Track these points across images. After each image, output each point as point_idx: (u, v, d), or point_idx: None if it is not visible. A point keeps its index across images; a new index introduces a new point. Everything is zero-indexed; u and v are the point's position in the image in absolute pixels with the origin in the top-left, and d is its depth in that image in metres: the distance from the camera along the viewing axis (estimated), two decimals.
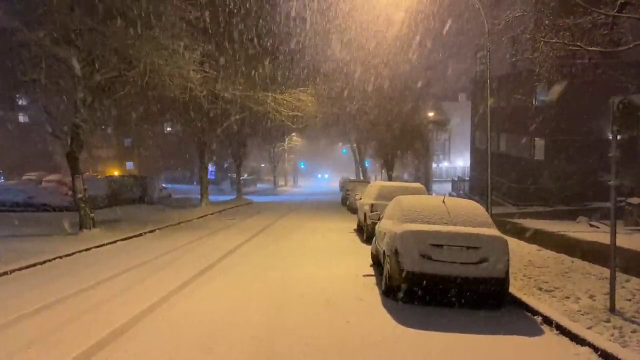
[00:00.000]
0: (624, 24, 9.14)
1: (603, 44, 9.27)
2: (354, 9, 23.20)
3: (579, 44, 9.09)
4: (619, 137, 6.66)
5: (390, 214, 9.27)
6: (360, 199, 17.92)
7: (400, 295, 7.51)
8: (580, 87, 19.54)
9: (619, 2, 8.37)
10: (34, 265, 9.79)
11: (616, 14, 8.50)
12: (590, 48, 9.10)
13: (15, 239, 12.88)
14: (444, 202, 8.34)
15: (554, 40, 9.42)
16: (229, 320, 6.40)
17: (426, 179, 38.97)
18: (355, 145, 50.18)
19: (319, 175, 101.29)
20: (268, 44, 20.82)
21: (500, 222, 13.29)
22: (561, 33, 9.28)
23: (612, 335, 5.68)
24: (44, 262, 10.10)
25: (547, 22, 9.71)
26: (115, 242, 13.23)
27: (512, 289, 7.77)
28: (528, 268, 9.71)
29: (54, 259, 10.45)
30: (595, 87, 18.46)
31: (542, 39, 9.75)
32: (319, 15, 23.19)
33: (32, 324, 6.07)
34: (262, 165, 72.48)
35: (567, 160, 23.17)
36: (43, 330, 5.78)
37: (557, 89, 17.93)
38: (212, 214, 23.80)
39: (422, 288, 7.37)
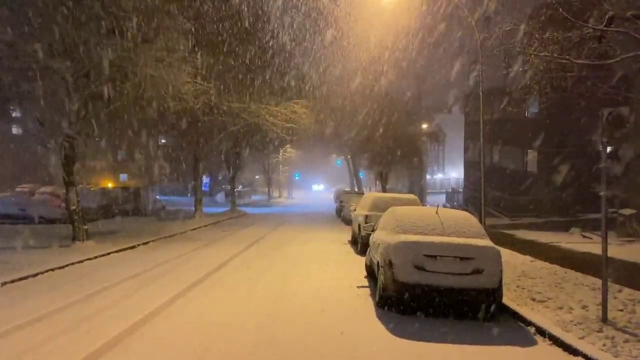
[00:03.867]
0: (611, 38, 9.33)
1: (592, 57, 9.45)
2: (348, 24, 23.50)
3: (568, 57, 9.26)
4: (608, 148, 6.76)
5: (384, 225, 9.31)
6: (355, 210, 17.95)
7: (394, 306, 7.52)
8: (570, 99, 19.81)
9: (606, 17, 8.56)
10: (26, 277, 9.69)
11: (604, 28, 8.68)
12: (579, 61, 9.27)
13: (7, 251, 12.76)
14: (437, 213, 8.40)
15: (543, 54, 9.58)
16: (222, 331, 6.37)
17: (420, 191, 39.08)
18: (349, 156, 50.31)
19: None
20: (263, 56, 20.98)
21: (493, 233, 13.35)
22: (551, 46, 9.46)
23: (605, 345, 5.71)
24: (36, 274, 10.01)
25: (537, 35, 9.89)
26: (108, 254, 13.14)
27: (506, 300, 7.80)
28: (521, 279, 9.74)
29: (47, 271, 10.36)
30: (585, 99, 18.71)
31: (532, 52, 9.92)
32: (315, 29, 23.43)
33: (23, 337, 6.02)
34: (257, 177, 72.36)
35: (559, 172, 23.36)
36: (34, 343, 5.72)
37: None
38: (206, 225, 23.72)
39: (416, 299, 7.38)
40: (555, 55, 9.35)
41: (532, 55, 9.96)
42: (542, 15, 10.21)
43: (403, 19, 22.46)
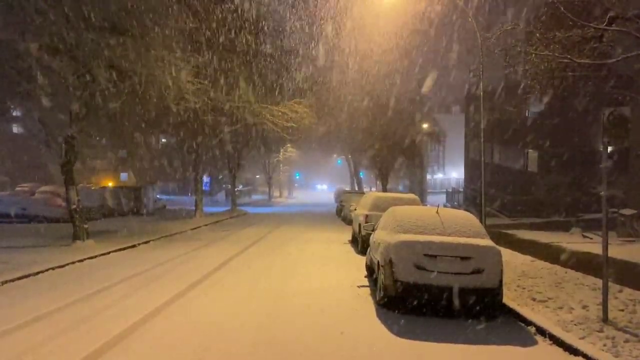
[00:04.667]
0: (612, 37, 9.32)
1: (593, 57, 9.43)
2: (349, 23, 23.47)
3: (569, 56, 9.24)
4: (609, 148, 6.75)
5: (384, 224, 9.30)
6: (355, 209, 17.94)
7: (395, 305, 7.51)
8: (571, 99, 19.79)
9: (608, 16, 8.54)
10: (27, 276, 9.70)
11: (605, 27, 8.67)
12: (580, 60, 9.25)
13: (7, 250, 12.77)
14: (437, 212, 8.39)
15: (544, 53, 9.56)
16: (222, 332, 6.37)
17: (421, 190, 39.09)
18: (349, 156, 50.31)
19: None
20: (264, 55, 20.96)
21: (493, 233, 13.35)
22: (552, 46, 9.44)
23: (605, 345, 5.71)
24: (37, 273, 10.02)
25: (538, 35, 9.87)
26: (109, 253, 13.15)
27: (506, 300, 7.80)
28: (522, 279, 9.74)
29: (47, 270, 10.36)
30: (587, 99, 18.71)
31: (533, 52, 9.90)
32: (316, 29, 23.41)
33: (23, 336, 6.01)
34: (257, 176, 72.39)
35: (560, 172, 23.33)
36: (34, 342, 5.72)
37: None
38: (206, 225, 23.73)
39: (416, 298, 7.37)
40: (556, 54, 9.33)
41: (533, 55, 9.95)
42: (543, 14, 10.19)
43: (404, 19, 22.45)
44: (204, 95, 17.33)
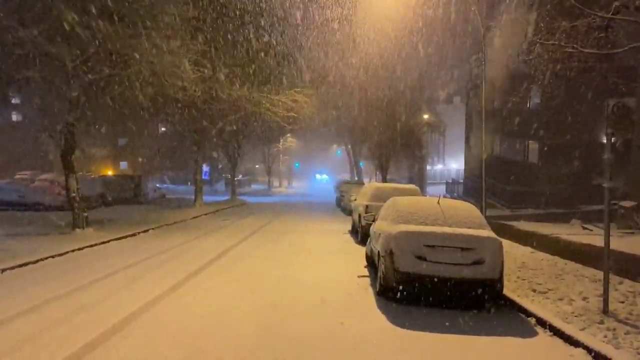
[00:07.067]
0: (618, 27, 9.20)
1: (598, 47, 9.32)
2: (351, 13, 23.25)
3: (574, 46, 9.13)
4: (613, 139, 6.68)
5: (384, 215, 9.27)
6: (355, 200, 17.91)
7: (395, 296, 7.49)
8: (574, 90, 19.67)
9: (613, 5, 8.42)
10: (26, 264, 9.67)
11: (611, 16, 8.55)
12: (586, 50, 9.14)
13: (6, 238, 12.74)
14: (438, 203, 8.35)
15: (549, 42, 9.45)
16: (222, 320, 6.36)
17: (420, 181, 39.00)
18: (349, 146, 50.18)
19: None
20: (264, 44, 20.80)
21: (493, 224, 13.30)
22: (557, 35, 9.32)
23: (606, 336, 5.69)
24: (36, 261, 9.99)
25: (542, 24, 9.76)
26: (108, 241, 13.13)
27: (506, 291, 7.79)
28: (522, 270, 9.74)
29: (46, 258, 10.34)
30: (590, 90, 18.57)
31: (537, 41, 9.79)
32: (316, 18, 23.20)
33: (23, 324, 5.99)
34: (257, 166, 72.34)
35: (560, 163, 23.27)
36: (34, 331, 5.70)
37: None
38: (206, 214, 23.71)
39: (417, 289, 7.36)
40: (561, 44, 9.22)
41: (537, 44, 9.84)
42: (548, 3, 10.06)
43: (406, 8, 22.22)
44: (204, 83, 17.23)
